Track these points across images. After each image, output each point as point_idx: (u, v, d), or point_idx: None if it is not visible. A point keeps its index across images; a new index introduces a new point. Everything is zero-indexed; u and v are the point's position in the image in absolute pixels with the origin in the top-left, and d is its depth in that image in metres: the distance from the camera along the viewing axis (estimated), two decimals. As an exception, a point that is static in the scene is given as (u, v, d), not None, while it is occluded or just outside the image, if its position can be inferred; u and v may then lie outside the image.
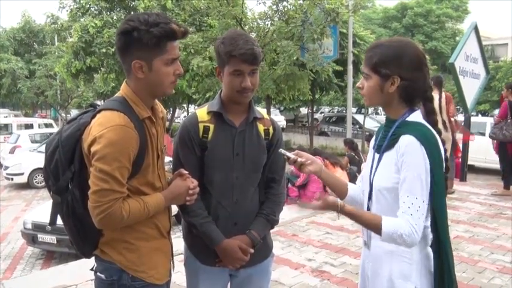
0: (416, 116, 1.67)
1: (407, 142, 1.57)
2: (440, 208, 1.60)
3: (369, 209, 1.75)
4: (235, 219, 1.98)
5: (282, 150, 1.89)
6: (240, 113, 1.98)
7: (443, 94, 6.87)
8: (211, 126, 1.94)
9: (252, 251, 1.96)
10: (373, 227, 1.60)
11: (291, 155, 1.86)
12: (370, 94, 1.69)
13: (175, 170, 1.91)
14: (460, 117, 8.31)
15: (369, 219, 1.63)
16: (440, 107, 6.74)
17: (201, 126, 1.94)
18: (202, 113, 1.97)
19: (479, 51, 8.51)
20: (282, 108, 27.63)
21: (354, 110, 23.84)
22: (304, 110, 27.81)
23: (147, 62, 1.61)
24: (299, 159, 1.84)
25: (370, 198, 1.74)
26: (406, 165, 1.56)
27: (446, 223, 1.64)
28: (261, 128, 2.02)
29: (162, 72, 1.64)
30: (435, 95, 6.83)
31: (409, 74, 1.62)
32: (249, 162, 1.97)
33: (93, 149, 1.54)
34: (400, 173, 1.59)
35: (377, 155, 1.73)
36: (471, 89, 8.24)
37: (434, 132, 1.63)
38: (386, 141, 1.67)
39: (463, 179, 8.27)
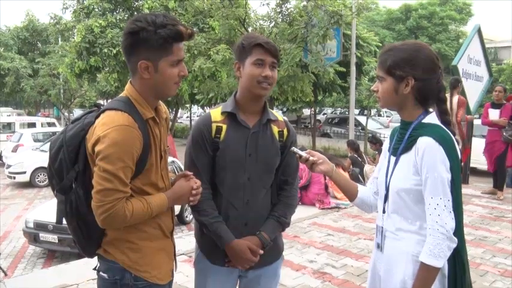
0: (432, 118, 1.68)
1: (426, 144, 1.59)
2: (457, 210, 1.60)
3: (384, 211, 1.76)
4: (246, 219, 1.98)
5: (294, 149, 1.91)
6: (254, 114, 1.99)
7: (456, 97, 6.85)
8: (224, 127, 1.95)
9: (261, 252, 1.96)
10: (429, 272, 1.58)
11: (303, 153, 1.88)
12: (385, 96, 1.71)
13: (187, 169, 1.93)
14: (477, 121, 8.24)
15: (422, 275, 1.59)
16: (451, 109, 6.72)
17: (214, 126, 1.95)
18: (216, 113, 1.99)
19: (483, 54, 8.52)
20: (284, 109, 27.60)
21: (357, 111, 23.80)
22: (306, 111, 27.78)
23: (153, 63, 1.62)
24: (311, 158, 1.86)
25: (386, 200, 1.75)
26: (426, 167, 1.58)
27: (462, 226, 1.64)
28: (275, 129, 2.03)
29: (168, 73, 1.65)
30: (449, 97, 6.84)
31: (422, 75, 1.64)
32: (262, 164, 1.97)
33: (97, 148, 1.55)
34: (418, 174, 1.61)
35: (393, 158, 1.74)
36: (474, 91, 8.25)
37: (451, 134, 1.65)
38: (403, 143, 1.68)
39: (465, 181, 8.26)
